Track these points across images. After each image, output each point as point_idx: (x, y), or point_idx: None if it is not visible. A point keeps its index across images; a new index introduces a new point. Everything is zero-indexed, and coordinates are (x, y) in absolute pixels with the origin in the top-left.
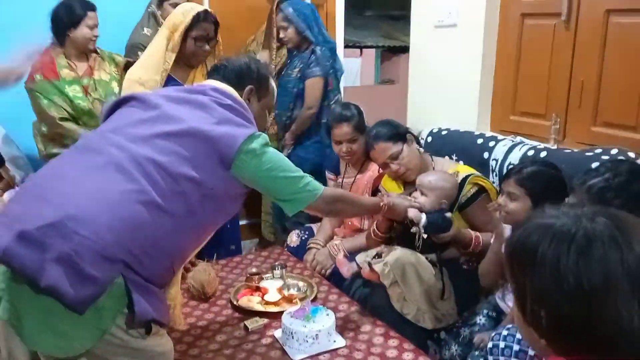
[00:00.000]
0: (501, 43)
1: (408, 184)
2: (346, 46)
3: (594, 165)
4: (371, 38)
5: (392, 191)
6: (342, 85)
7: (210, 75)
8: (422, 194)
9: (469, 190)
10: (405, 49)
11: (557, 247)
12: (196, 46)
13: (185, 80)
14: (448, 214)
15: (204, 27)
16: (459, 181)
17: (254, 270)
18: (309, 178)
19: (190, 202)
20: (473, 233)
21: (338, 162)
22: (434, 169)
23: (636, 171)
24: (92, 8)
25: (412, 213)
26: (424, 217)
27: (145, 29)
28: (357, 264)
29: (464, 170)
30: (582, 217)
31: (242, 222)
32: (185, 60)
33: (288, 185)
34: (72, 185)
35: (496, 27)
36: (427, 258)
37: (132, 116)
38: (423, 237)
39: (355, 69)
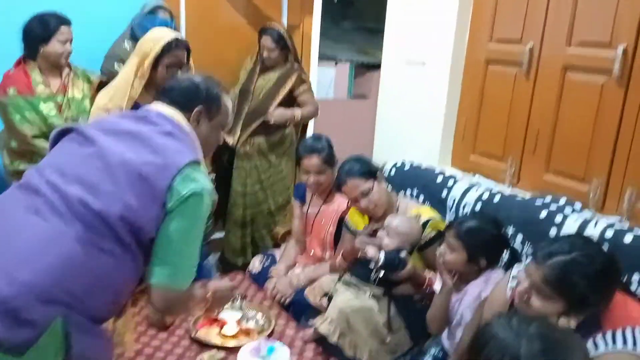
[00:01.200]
0: (466, 85)
1: (373, 219)
2: (320, 59)
3: (543, 214)
4: (345, 52)
5: (357, 224)
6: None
7: (159, 97)
8: (388, 234)
9: (428, 233)
10: (378, 66)
11: None
12: (168, 73)
13: None
14: (403, 254)
15: (175, 54)
16: (420, 223)
17: None
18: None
19: (124, 242)
20: (428, 274)
21: (305, 191)
22: (398, 207)
23: (600, 256)
24: (65, 22)
25: (371, 252)
26: (382, 255)
27: (126, 41)
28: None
29: (425, 213)
30: (523, 337)
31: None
32: (156, 87)
33: (181, 251)
34: (12, 228)
35: (462, 69)
36: (371, 294)
37: (69, 152)
38: (379, 274)
39: (329, 79)
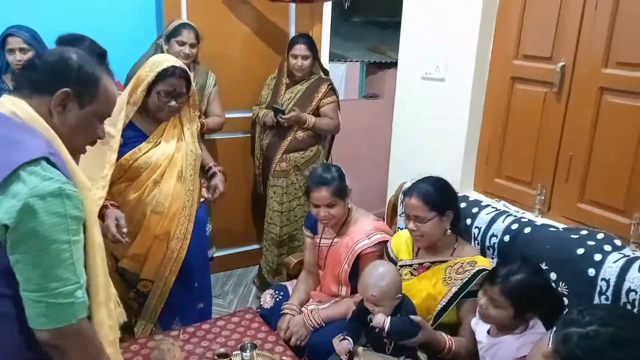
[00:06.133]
0: (489, 104)
1: (420, 250)
2: (330, 60)
3: (580, 251)
4: (356, 51)
5: (399, 253)
6: None
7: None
8: (379, 300)
9: (477, 281)
10: (391, 64)
11: None
12: (160, 101)
13: (152, 131)
14: (416, 318)
15: (170, 82)
16: (473, 272)
17: (221, 350)
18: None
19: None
20: (447, 339)
21: (316, 220)
22: (455, 249)
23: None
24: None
25: (376, 320)
26: (387, 322)
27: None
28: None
29: (482, 262)
30: None
31: (237, 250)
32: (151, 114)
33: (41, 285)
34: None
35: (484, 87)
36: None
37: None
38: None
39: (339, 76)
